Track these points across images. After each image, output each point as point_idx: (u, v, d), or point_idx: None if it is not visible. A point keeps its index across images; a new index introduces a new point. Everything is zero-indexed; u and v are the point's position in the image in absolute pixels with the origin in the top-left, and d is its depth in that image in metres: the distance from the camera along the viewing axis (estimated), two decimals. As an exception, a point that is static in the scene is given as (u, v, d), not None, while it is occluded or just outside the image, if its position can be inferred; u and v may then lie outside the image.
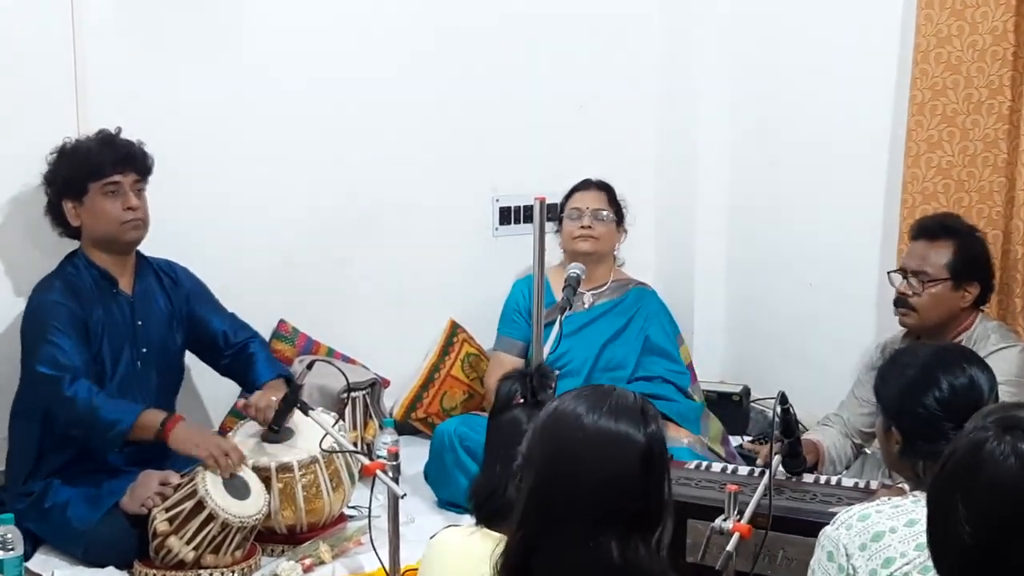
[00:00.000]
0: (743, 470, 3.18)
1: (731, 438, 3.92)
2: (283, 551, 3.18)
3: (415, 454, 3.68)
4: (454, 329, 4.23)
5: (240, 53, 3.78)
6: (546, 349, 3.01)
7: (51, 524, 3.13)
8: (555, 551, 1.65)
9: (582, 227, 3.80)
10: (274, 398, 3.20)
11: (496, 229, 4.31)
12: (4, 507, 3.10)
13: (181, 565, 2.97)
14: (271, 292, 3.90)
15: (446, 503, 3.51)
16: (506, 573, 1.69)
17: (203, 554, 2.97)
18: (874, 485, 2.95)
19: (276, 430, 3.22)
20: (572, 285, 3.40)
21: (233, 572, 3.01)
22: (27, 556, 2.99)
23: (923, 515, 2.05)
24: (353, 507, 3.39)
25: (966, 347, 2.91)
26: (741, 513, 2.40)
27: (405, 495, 2.74)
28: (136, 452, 3.19)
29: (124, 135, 3.28)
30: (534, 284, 2.91)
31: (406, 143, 4.08)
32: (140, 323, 3.28)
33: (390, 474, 2.75)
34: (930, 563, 1.99)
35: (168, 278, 3.39)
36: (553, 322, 3.22)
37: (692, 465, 3.22)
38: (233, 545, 3.00)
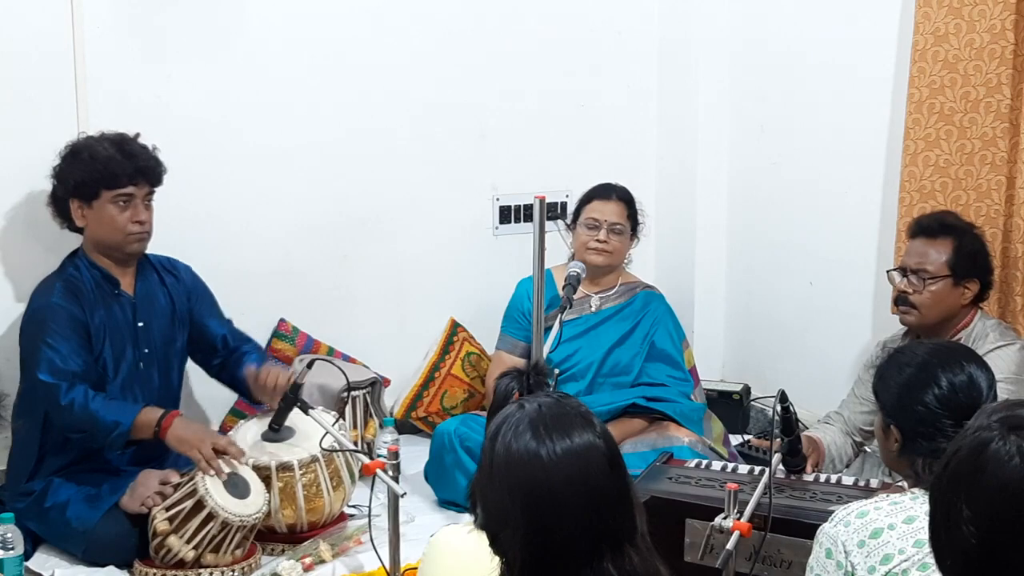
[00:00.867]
0: (743, 469, 3.19)
1: (731, 436, 3.92)
2: (283, 550, 3.18)
3: (415, 453, 3.69)
4: (454, 328, 4.24)
5: (240, 53, 3.78)
6: (546, 349, 3.02)
7: (51, 523, 3.13)
8: None
9: (598, 240, 3.73)
10: (280, 380, 3.19)
11: (496, 228, 4.31)
12: (4, 506, 3.11)
13: (181, 564, 2.97)
14: (271, 291, 3.91)
15: (446, 502, 3.51)
16: None
17: (203, 553, 2.97)
18: (874, 483, 2.96)
19: (276, 429, 3.23)
20: (572, 284, 3.41)
21: (233, 571, 3.02)
22: (27, 555, 2.99)
23: (922, 512, 2.07)
24: (353, 506, 3.40)
25: (965, 345, 2.91)
26: (741, 512, 2.41)
27: (405, 494, 2.75)
28: (136, 452, 3.20)
29: (126, 131, 3.26)
30: (535, 282, 2.91)
31: (406, 142, 4.08)
32: (142, 324, 3.28)
33: (390, 473, 2.75)
34: (929, 560, 2.00)
35: (170, 275, 3.39)
36: (564, 321, 3.22)
37: (692, 464, 3.23)
38: (233, 544, 3.00)
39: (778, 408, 2.66)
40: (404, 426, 4.04)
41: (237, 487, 3.04)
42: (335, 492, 3.25)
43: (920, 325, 3.21)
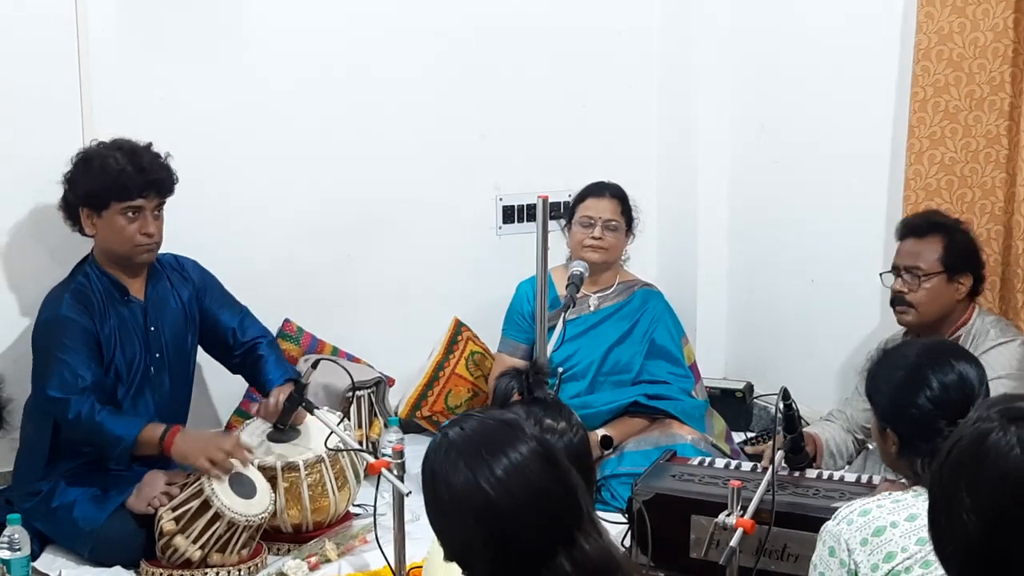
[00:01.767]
0: (746, 466, 3.20)
1: (733, 435, 3.93)
2: (289, 550, 3.19)
3: (420, 452, 3.57)
4: (458, 327, 4.24)
5: (243, 54, 3.79)
6: (549, 348, 3.02)
7: (58, 524, 3.14)
8: None
9: (593, 237, 3.74)
10: (282, 397, 3.21)
11: (500, 228, 4.32)
12: (11, 507, 3.12)
13: (187, 564, 2.98)
14: (276, 291, 3.91)
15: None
16: None
17: (209, 553, 2.98)
18: (876, 480, 2.96)
19: (281, 429, 3.24)
20: (576, 283, 3.42)
21: (239, 571, 3.02)
22: (34, 556, 3.00)
23: (924, 509, 2.06)
24: (358, 505, 3.40)
25: (952, 342, 2.93)
26: (744, 508, 2.42)
27: (410, 493, 2.75)
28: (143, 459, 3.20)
29: (132, 138, 3.25)
30: (538, 282, 2.92)
31: (410, 142, 4.09)
32: (153, 328, 3.28)
33: (395, 472, 2.76)
34: (931, 557, 2.00)
35: (177, 273, 3.38)
36: (556, 324, 3.23)
37: (695, 461, 3.24)
38: (239, 544, 3.01)
39: (781, 406, 2.67)
40: (408, 425, 4.04)
41: (243, 487, 3.05)
42: (340, 492, 3.26)
43: (919, 324, 3.21)
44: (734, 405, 4.23)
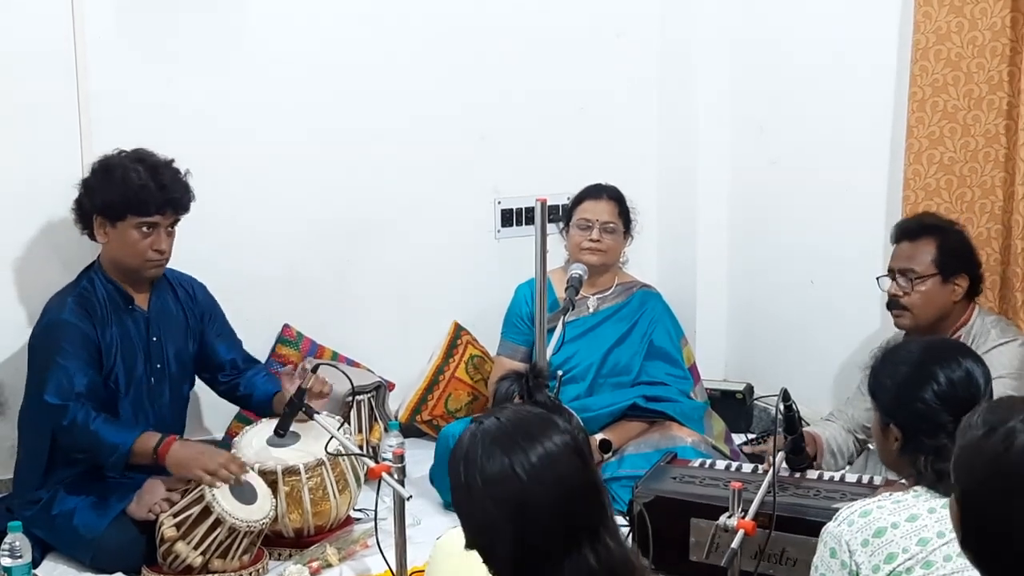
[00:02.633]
0: (747, 467, 3.19)
1: (735, 436, 3.93)
2: (290, 554, 3.19)
3: (420, 456, 3.69)
4: (458, 331, 4.24)
5: (241, 58, 3.79)
6: (549, 351, 3.02)
7: (59, 531, 3.14)
8: None
9: (591, 240, 3.74)
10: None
11: (498, 231, 4.32)
12: (12, 514, 3.11)
13: (189, 570, 2.98)
14: (275, 296, 3.91)
15: (451, 505, 3.51)
16: None
17: (211, 559, 2.98)
18: (877, 480, 2.96)
19: (282, 434, 3.23)
20: (575, 286, 3.42)
21: (241, 576, 3.03)
22: (35, 563, 2.99)
23: (924, 510, 2.07)
24: (359, 510, 3.40)
25: (957, 340, 2.93)
26: (745, 510, 2.41)
27: (411, 497, 2.75)
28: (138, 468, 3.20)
29: (129, 143, 3.25)
30: (537, 284, 2.92)
31: (408, 146, 4.09)
32: (155, 339, 3.29)
33: (396, 476, 2.76)
34: (932, 557, 2.01)
35: (185, 291, 3.40)
36: (554, 326, 3.23)
37: (696, 463, 3.23)
38: (240, 549, 3.01)
39: (781, 407, 2.67)
40: (409, 429, 4.04)
41: (244, 493, 3.05)
42: (341, 496, 3.26)
43: (915, 327, 3.21)
44: (734, 406, 4.23)
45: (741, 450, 3.79)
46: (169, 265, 3.35)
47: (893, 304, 3.23)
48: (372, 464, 2.91)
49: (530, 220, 4.17)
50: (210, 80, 3.74)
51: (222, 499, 2.97)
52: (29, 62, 3.43)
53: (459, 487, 1.73)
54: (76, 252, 3.33)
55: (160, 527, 2.99)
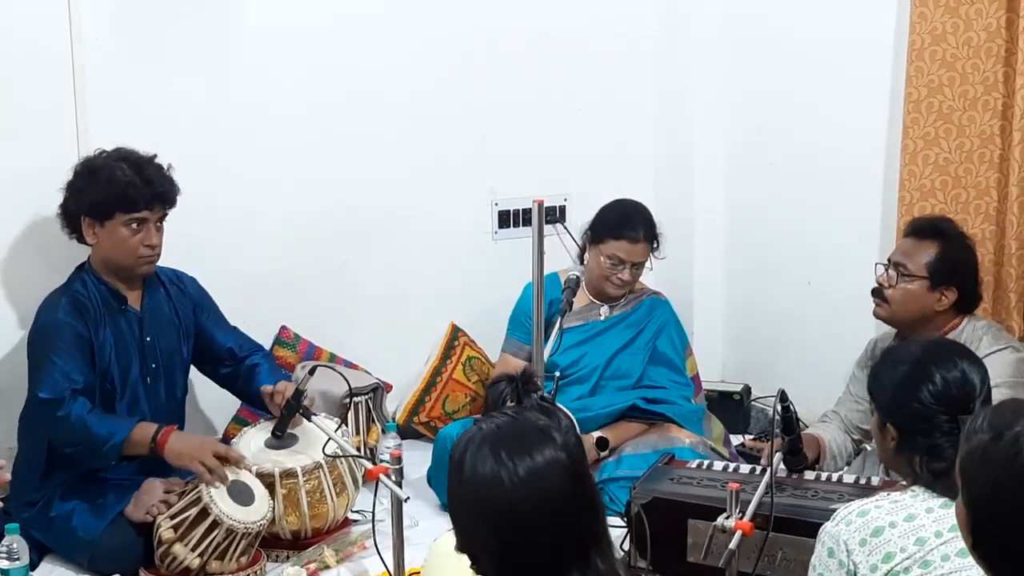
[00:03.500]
0: (744, 468, 3.19)
1: (731, 437, 3.93)
2: (288, 556, 3.19)
3: (418, 458, 3.69)
4: (455, 333, 4.24)
5: (238, 61, 3.79)
6: (547, 352, 3.03)
7: (56, 533, 3.14)
8: None
9: (619, 278, 3.70)
10: (288, 393, 3.21)
11: (495, 232, 4.32)
12: (10, 516, 3.11)
13: (186, 572, 2.97)
14: (272, 298, 3.91)
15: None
16: None
17: (208, 561, 2.97)
18: (875, 481, 2.97)
19: (279, 436, 3.24)
20: (571, 287, 3.42)
21: (238, 578, 3.02)
22: (33, 565, 2.99)
23: (922, 509, 2.08)
24: (357, 511, 3.40)
25: (957, 342, 2.92)
26: (743, 511, 2.41)
27: (408, 499, 2.76)
28: (140, 461, 3.20)
29: (126, 143, 3.25)
30: (534, 286, 2.93)
31: (405, 148, 4.09)
32: (149, 339, 3.28)
33: (393, 478, 2.76)
34: (930, 557, 2.01)
35: (176, 288, 3.39)
36: (574, 327, 3.22)
37: (694, 464, 3.24)
38: (238, 551, 3.01)
39: (778, 407, 2.67)
40: (406, 431, 4.05)
41: (241, 494, 3.05)
42: (339, 498, 3.26)
43: (891, 320, 3.22)
44: (732, 407, 4.24)
45: (743, 443, 3.79)
46: (163, 264, 3.35)
47: (875, 292, 3.24)
48: (370, 466, 2.91)
49: (527, 221, 4.17)
50: (207, 80, 3.74)
51: (219, 501, 2.97)
52: (25, 62, 3.42)
53: (451, 488, 1.73)
54: (76, 253, 3.33)
55: (157, 529, 2.98)
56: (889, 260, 3.25)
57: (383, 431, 3.74)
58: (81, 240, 3.25)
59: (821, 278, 4.11)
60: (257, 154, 3.83)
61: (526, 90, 4.25)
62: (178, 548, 2.95)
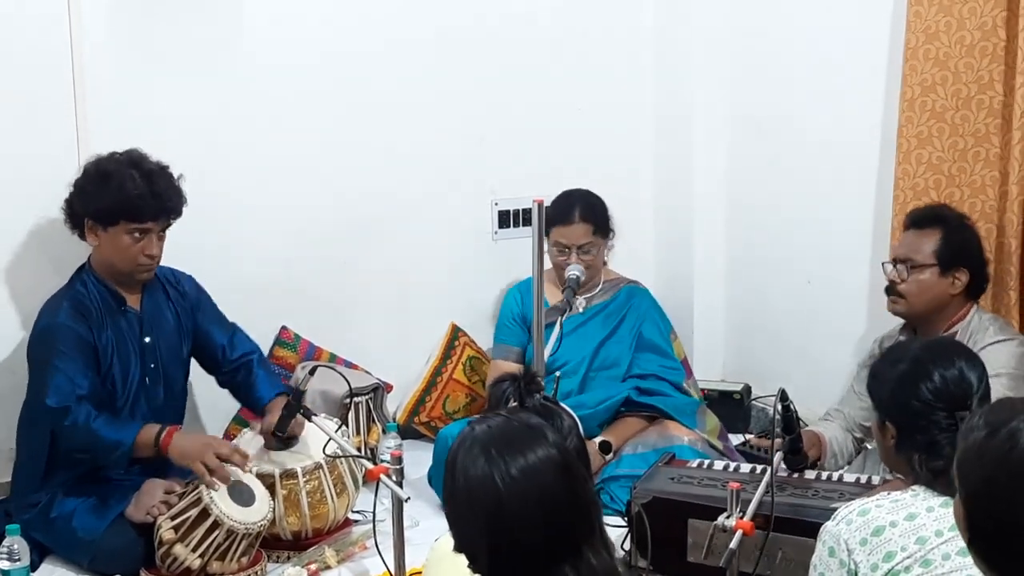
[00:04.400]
0: (745, 468, 3.20)
1: (733, 436, 3.93)
2: (289, 557, 3.19)
3: (419, 458, 3.69)
4: (455, 333, 4.25)
5: (238, 61, 3.79)
6: (547, 351, 3.03)
7: (57, 534, 3.14)
8: None
9: (569, 263, 3.73)
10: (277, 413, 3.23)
11: (495, 232, 4.32)
12: (10, 518, 3.12)
13: (187, 573, 2.98)
14: (273, 299, 3.91)
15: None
16: None
17: (209, 561, 2.98)
18: (876, 480, 2.97)
19: (280, 437, 3.24)
20: (572, 287, 3.43)
21: (239, 578, 3.03)
22: (34, 566, 2.99)
23: (923, 508, 2.08)
24: (358, 512, 3.41)
25: (955, 340, 2.94)
26: (744, 511, 2.42)
27: (409, 499, 2.76)
28: (141, 461, 3.20)
29: (127, 144, 3.25)
30: (533, 286, 2.93)
31: (405, 148, 4.09)
32: (148, 339, 3.28)
33: (394, 478, 2.76)
34: (931, 556, 2.02)
35: (174, 288, 3.39)
36: (552, 323, 3.25)
37: (694, 464, 3.24)
38: (239, 552, 3.01)
39: (779, 407, 2.68)
40: (407, 431, 4.05)
41: (242, 495, 3.05)
42: (339, 498, 3.26)
43: (909, 314, 3.23)
44: (732, 407, 4.24)
45: (747, 440, 3.80)
46: (163, 263, 3.34)
47: (890, 290, 3.25)
48: (370, 466, 2.92)
49: (527, 221, 4.18)
50: (207, 83, 3.73)
51: (220, 501, 2.97)
52: (26, 65, 3.42)
53: (446, 490, 1.75)
54: (77, 254, 3.33)
55: (158, 529, 2.99)
56: (895, 257, 3.27)
57: (383, 431, 3.75)
58: (83, 236, 3.25)
59: (821, 277, 4.12)
60: (257, 155, 3.83)
61: (526, 90, 4.25)
62: (179, 549, 2.96)
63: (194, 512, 2.97)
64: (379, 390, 3.88)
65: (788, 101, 4.18)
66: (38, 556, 3.11)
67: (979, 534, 1.57)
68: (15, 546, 2.77)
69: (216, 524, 2.95)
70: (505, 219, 4.31)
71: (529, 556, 1.65)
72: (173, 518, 2.99)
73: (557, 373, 3.14)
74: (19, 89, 3.43)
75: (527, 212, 4.16)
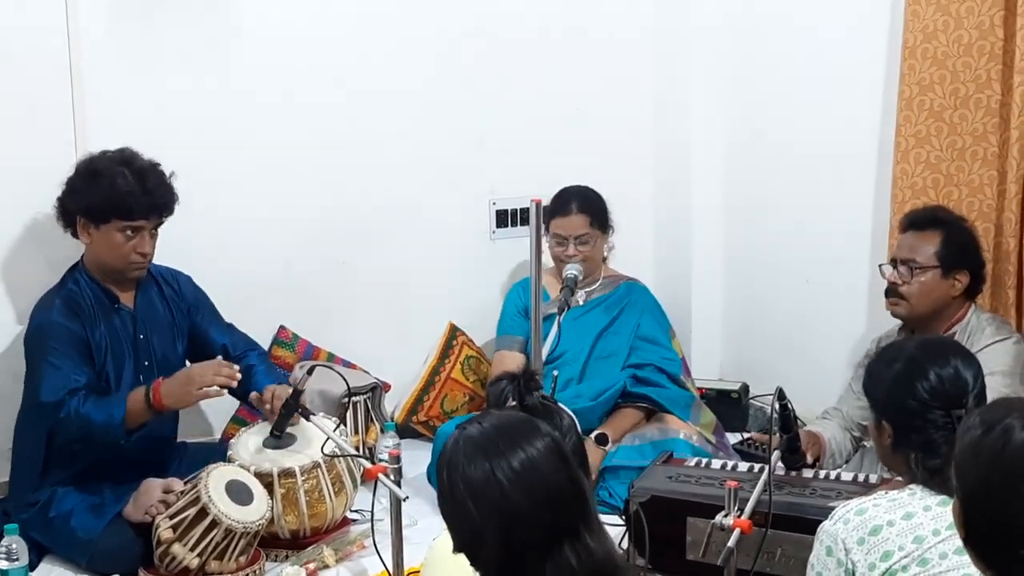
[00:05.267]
0: (743, 466, 3.20)
1: (731, 435, 3.94)
2: (287, 556, 3.19)
3: (417, 457, 3.69)
4: (453, 332, 4.25)
5: (236, 61, 3.79)
6: (545, 348, 3.03)
7: (55, 533, 3.14)
8: None
9: (568, 255, 3.79)
10: (278, 393, 3.22)
11: (494, 232, 4.33)
12: (9, 517, 3.12)
13: (186, 572, 2.97)
14: (271, 298, 3.92)
15: (441, 508, 3.51)
16: None
17: (207, 560, 2.98)
18: (873, 479, 2.97)
19: (278, 435, 3.24)
20: (570, 286, 3.44)
21: (237, 578, 3.03)
22: (32, 566, 2.99)
23: (920, 508, 2.09)
24: (356, 511, 3.41)
25: (950, 339, 2.94)
26: (741, 509, 2.42)
27: (407, 498, 2.76)
28: (138, 460, 3.20)
29: (124, 143, 3.25)
30: (532, 285, 2.93)
31: (403, 147, 4.09)
32: (142, 337, 3.29)
33: (392, 477, 2.76)
34: (928, 555, 2.02)
35: (170, 287, 3.40)
36: (551, 316, 3.26)
37: (692, 462, 3.24)
38: (237, 551, 3.01)
39: (776, 406, 2.68)
40: (405, 430, 4.05)
41: (240, 494, 3.05)
42: (337, 497, 3.26)
43: (910, 316, 3.24)
44: (730, 406, 4.25)
45: (749, 436, 3.80)
46: (161, 263, 3.35)
47: (890, 292, 3.25)
48: (368, 465, 2.92)
49: (525, 221, 4.18)
50: (205, 81, 3.74)
51: (218, 500, 2.97)
52: (23, 69, 3.42)
53: (444, 493, 1.76)
54: (73, 252, 3.33)
55: (156, 529, 2.98)
56: (894, 259, 3.27)
57: (382, 430, 3.75)
58: (76, 235, 3.25)
59: (819, 276, 4.12)
60: (256, 154, 3.83)
61: (525, 90, 4.25)
62: (177, 548, 2.95)
63: (192, 511, 2.97)
64: (377, 389, 3.88)
65: (787, 101, 4.18)
66: (36, 556, 3.11)
67: (973, 531, 1.58)
68: (13, 546, 2.77)
69: (214, 523, 2.95)
70: (503, 219, 4.31)
71: (536, 545, 1.67)
72: (171, 517, 2.99)
73: (555, 372, 3.14)
74: (17, 89, 3.43)
75: (525, 212, 4.16)
